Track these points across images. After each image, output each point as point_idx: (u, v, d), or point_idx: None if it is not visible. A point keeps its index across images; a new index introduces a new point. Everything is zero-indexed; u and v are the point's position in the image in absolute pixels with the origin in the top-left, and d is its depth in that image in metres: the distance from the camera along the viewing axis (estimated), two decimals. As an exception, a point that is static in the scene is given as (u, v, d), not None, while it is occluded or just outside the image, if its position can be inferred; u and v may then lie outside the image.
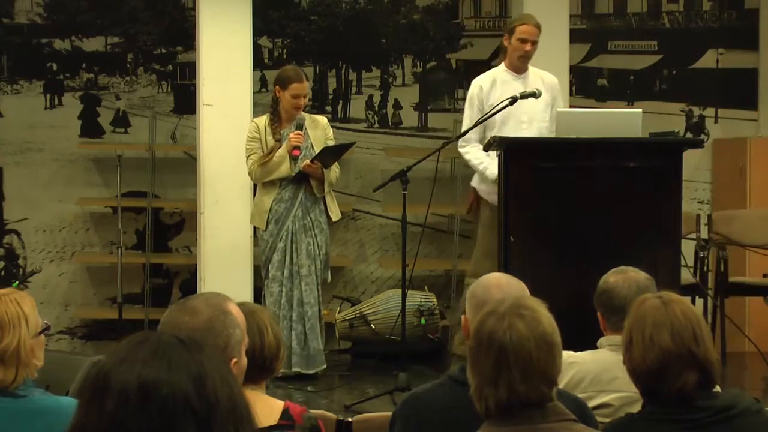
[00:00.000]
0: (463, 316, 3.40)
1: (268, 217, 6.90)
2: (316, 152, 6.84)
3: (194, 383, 1.67)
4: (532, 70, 6.79)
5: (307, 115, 7.02)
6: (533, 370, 2.68)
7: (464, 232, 8.81)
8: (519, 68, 6.74)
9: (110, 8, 8.86)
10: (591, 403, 3.60)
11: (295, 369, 6.82)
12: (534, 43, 6.66)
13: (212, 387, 1.68)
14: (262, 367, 3.21)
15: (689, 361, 3.03)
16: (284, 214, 6.90)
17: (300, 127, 6.88)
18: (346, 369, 7.51)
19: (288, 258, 6.89)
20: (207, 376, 1.69)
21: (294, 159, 6.84)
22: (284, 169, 6.84)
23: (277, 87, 6.92)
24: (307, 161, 6.80)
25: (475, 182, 6.85)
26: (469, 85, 9.05)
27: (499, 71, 6.79)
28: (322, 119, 7.11)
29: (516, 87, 6.59)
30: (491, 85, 6.71)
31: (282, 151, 6.81)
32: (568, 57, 7.96)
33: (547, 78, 6.80)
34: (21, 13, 8.87)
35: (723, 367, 6.85)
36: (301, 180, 6.90)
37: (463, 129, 6.65)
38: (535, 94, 6.33)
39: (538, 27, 6.67)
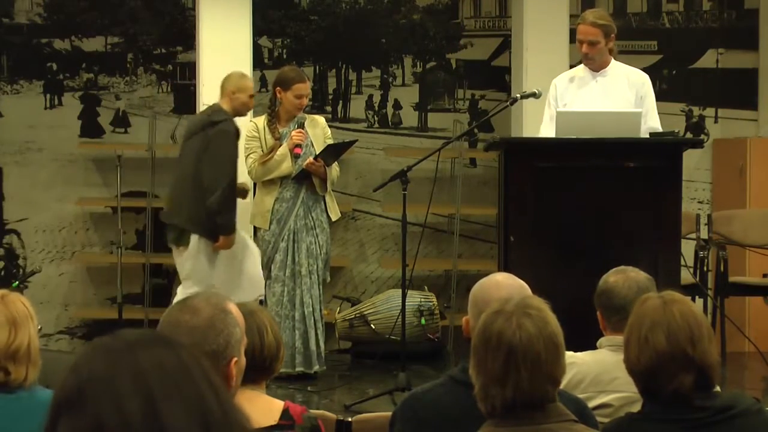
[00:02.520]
0: (465, 318, 3.40)
1: (270, 217, 6.91)
2: (317, 151, 6.86)
3: (187, 350, 1.69)
4: (617, 67, 6.42)
5: (306, 115, 7.04)
6: (541, 370, 2.69)
7: (464, 232, 8.82)
8: (591, 66, 6.37)
9: (110, 8, 8.86)
10: (591, 404, 3.60)
11: (299, 369, 6.82)
12: (592, 44, 6.26)
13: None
14: (262, 368, 3.21)
15: (684, 363, 3.01)
16: (286, 213, 6.90)
17: (301, 125, 6.90)
18: (346, 369, 7.51)
19: (290, 258, 6.90)
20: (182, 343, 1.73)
21: (296, 157, 6.84)
22: (285, 167, 6.84)
23: (279, 88, 6.93)
24: (311, 159, 6.81)
25: None
26: (468, 85, 9.11)
27: (579, 69, 6.46)
28: (321, 119, 7.14)
29: (592, 86, 6.35)
30: (567, 83, 6.40)
31: (283, 149, 6.82)
32: (568, 57, 7.95)
33: (634, 75, 6.42)
34: (21, 13, 8.87)
35: (723, 367, 6.85)
36: (301, 179, 6.91)
37: (541, 130, 6.44)
38: (535, 95, 6.32)
39: (597, 24, 6.26)
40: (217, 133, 6.80)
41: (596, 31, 6.29)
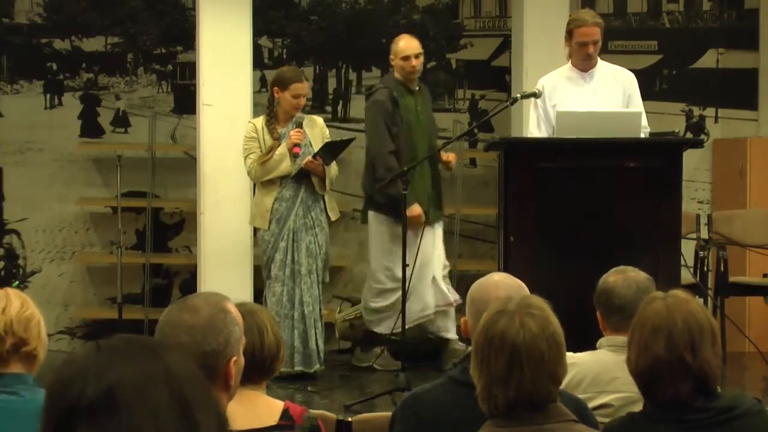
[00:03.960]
0: (463, 318, 3.39)
1: (270, 216, 6.91)
2: (315, 151, 6.86)
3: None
4: (603, 66, 6.46)
5: (304, 115, 7.04)
6: (544, 369, 2.69)
7: (464, 232, 8.81)
8: (584, 67, 6.40)
9: (110, 8, 8.86)
10: (591, 404, 3.60)
11: (298, 368, 6.83)
12: (596, 43, 6.30)
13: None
14: (263, 368, 3.21)
15: (681, 370, 3.00)
16: (285, 213, 6.90)
17: (299, 125, 6.90)
18: (346, 369, 7.50)
19: (289, 257, 6.90)
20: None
21: (294, 156, 6.85)
22: (285, 166, 6.84)
23: (276, 88, 6.93)
24: (309, 158, 6.82)
25: None
26: (468, 85, 9.11)
27: (565, 70, 6.46)
28: (319, 119, 7.14)
29: (581, 85, 6.37)
30: (555, 83, 6.40)
31: (282, 149, 6.83)
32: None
33: (621, 74, 6.46)
34: (21, 13, 8.87)
35: (723, 367, 6.84)
36: (301, 178, 6.91)
37: (529, 131, 6.45)
38: (535, 94, 6.31)
39: (597, 23, 6.31)
40: (367, 106, 7.22)
41: (598, 30, 6.36)
